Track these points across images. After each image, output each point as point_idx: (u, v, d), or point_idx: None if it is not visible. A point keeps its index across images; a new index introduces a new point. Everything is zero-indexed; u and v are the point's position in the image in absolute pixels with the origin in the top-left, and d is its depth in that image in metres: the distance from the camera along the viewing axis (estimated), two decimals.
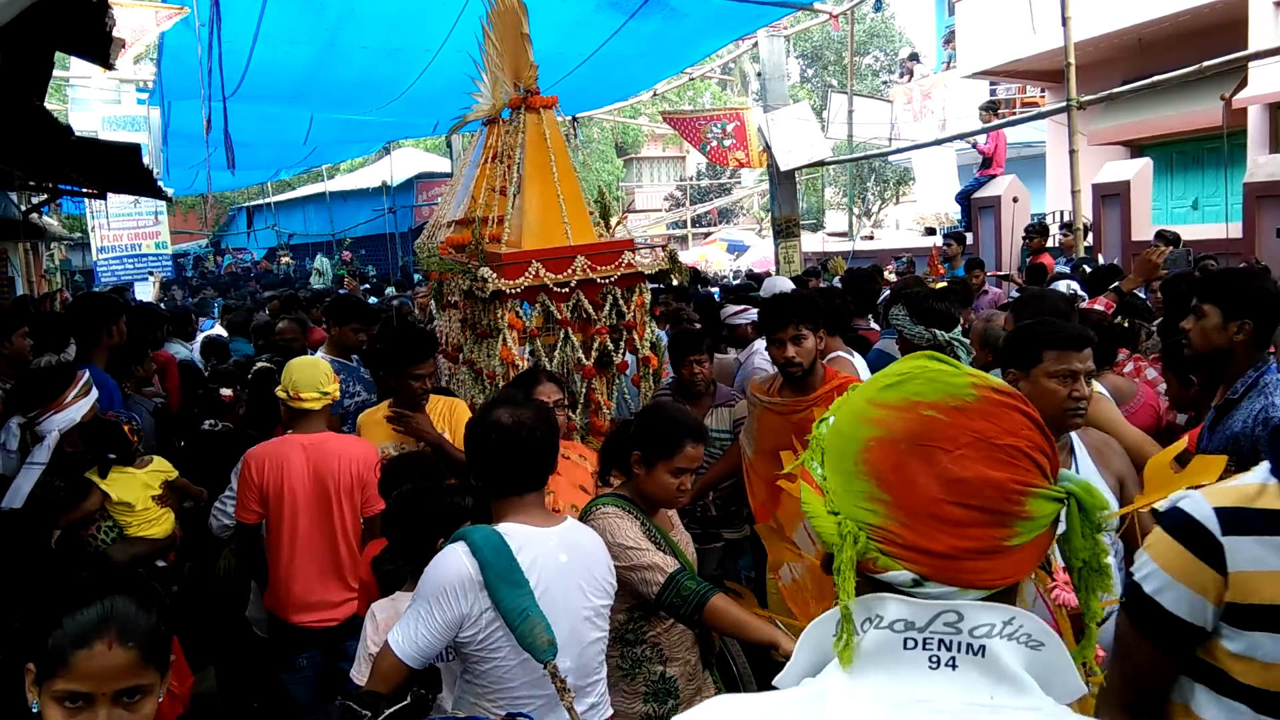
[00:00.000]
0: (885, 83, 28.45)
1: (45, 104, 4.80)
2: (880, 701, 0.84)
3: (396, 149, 22.85)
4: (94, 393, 3.49)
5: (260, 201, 28.23)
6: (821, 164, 13.81)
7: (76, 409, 3.34)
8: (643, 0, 7.62)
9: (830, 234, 22.01)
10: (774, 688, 0.94)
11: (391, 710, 1.86)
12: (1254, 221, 9.54)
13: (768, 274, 10.57)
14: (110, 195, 9.58)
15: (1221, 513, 1.60)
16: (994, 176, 12.55)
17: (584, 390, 3.93)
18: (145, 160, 7.13)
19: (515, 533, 2.22)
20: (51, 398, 3.36)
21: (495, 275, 3.64)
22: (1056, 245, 10.94)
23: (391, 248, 23.65)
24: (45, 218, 12.18)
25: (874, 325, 5.56)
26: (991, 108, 12.78)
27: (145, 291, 14.55)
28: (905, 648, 0.85)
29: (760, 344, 4.95)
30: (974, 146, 12.82)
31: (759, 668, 3.10)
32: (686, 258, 15.36)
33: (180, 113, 9.80)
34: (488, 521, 2.33)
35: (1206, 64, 7.85)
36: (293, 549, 3.46)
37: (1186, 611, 1.59)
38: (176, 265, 22.91)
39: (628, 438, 2.79)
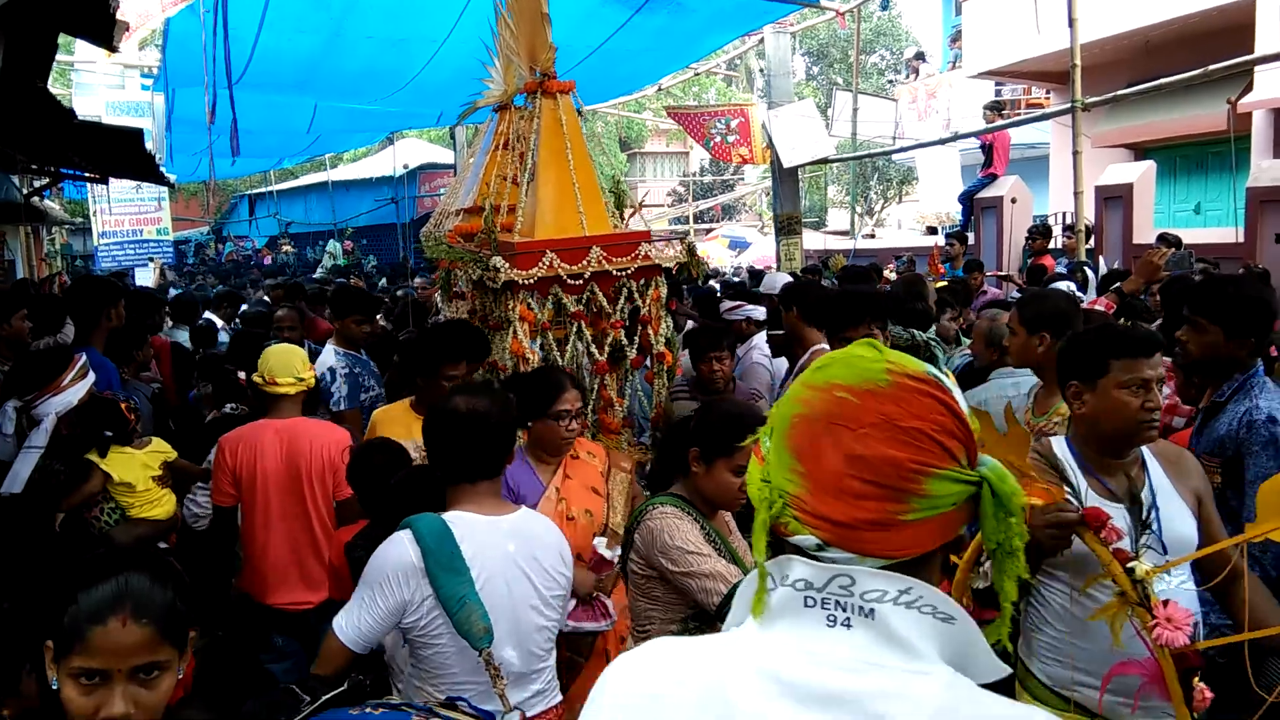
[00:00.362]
0: (890, 81, 28.40)
1: (49, 87, 4.80)
2: (777, 649, 0.93)
3: (400, 139, 22.83)
4: (91, 376, 3.49)
5: (262, 190, 28.21)
6: (825, 162, 13.80)
7: (74, 392, 3.34)
8: None
9: (832, 232, 21.99)
10: None
11: (329, 695, 1.90)
12: (1256, 226, 9.53)
13: (768, 270, 10.57)
14: (112, 180, 9.58)
15: None
16: (996, 177, 12.54)
17: (595, 386, 3.84)
18: (148, 146, 7.14)
19: (461, 521, 2.28)
20: (48, 381, 3.36)
21: (508, 265, 3.53)
22: (1059, 247, 10.93)
23: (393, 238, 23.64)
24: (47, 201, 12.18)
25: None
26: (995, 107, 12.77)
27: (146, 277, 14.56)
28: (805, 605, 0.93)
29: (759, 339, 4.93)
30: (979, 141, 12.82)
31: None
32: None
33: (185, 99, 9.78)
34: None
35: (1212, 67, 7.84)
36: (266, 531, 3.54)
37: None
38: (178, 252, 22.91)
39: (686, 434, 2.65)
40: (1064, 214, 12.71)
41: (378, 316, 5.83)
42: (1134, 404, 2.27)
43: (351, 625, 2.21)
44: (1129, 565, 1.95)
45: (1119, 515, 2.16)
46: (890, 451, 0.91)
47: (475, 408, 2.34)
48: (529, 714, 2.33)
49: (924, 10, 28.62)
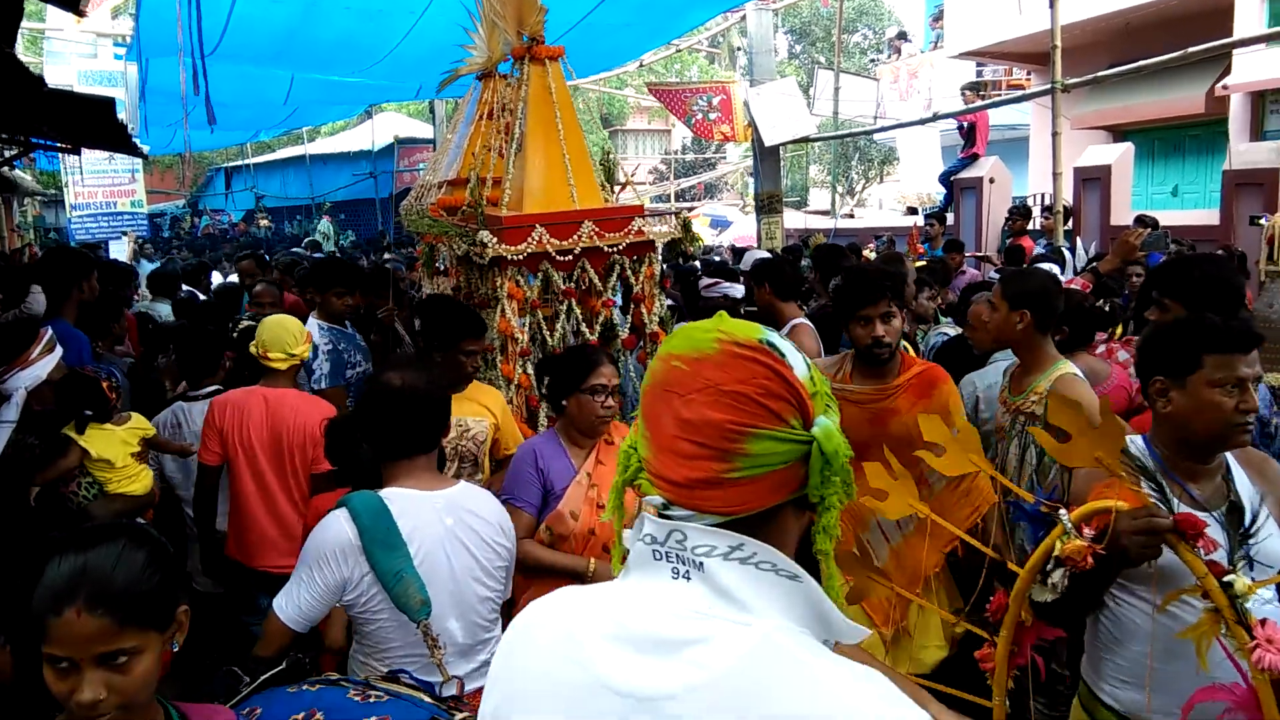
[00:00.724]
0: (873, 61, 28.35)
1: (17, 54, 4.70)
2: (627, 596, 1.02)
3: (379, 113, 22.59)
4: (59, 349, 3.44)
5: (239, 163, 27.84)
6: (806, 140, 13.78)
7: (42, 366, 3.29)
8: None
9: (814, 211, 22.01)
10: None
11: (269, 674, 1.93)
12: (1233, 208, 9.63)
13: (750, 249, 10.57)
14: (85, 151, 9.42)
15: None
16: (976, 157, 12.58)
17: None
18: (121, 116, 7.01)
19: (398, 497, 2.28)
20: (15, 355, 3.31)
21: (496, 240, 3.39)
22: (1038, 228, 11.00)
23: (372, 213, 23.44)
24: (18, 172, 11.97)
25: None
26: (975, 88, 12.79)
27: (120, 250, 14.35)
28: (654, 558, 1.01)
29: None
30: (957, 123, 12.84)
31: None
32: None
33: (159, 69, 9.61)
34: None
35: (1191, 50, 7.89)
36: (250, 495, 3.60)
37: None
38: (153, 225, 22.60)
39: None
40: (1043, 195, 12.79)
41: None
42: (1228, 404, 2.08)
43: (292, 604, 2.23)
44: (1225, 579, 1.80)
45: (1213, 525, 1.98)
46: (713, 414, 0.97)
47: (411, 383, 2.35)
48: (477, 686, 2.31)
49: None
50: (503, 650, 1.10)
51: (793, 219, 17.97)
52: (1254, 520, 2.07)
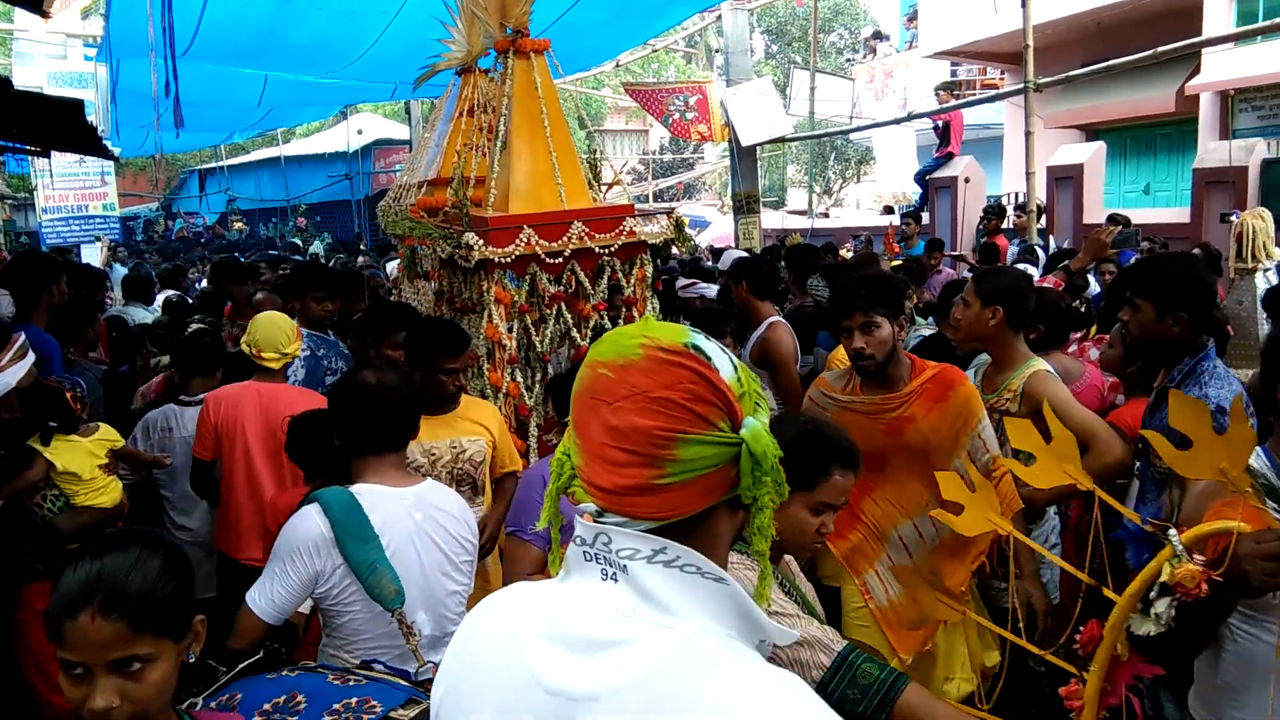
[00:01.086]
0: (849, 60, 28.47)
1: None
2: (562, 597, 1.03)
3: (354, 114, 22.45)
4: (30, 356, 3.38)
5: (213, 165, 27.59)
6: (782, 140, 13.83)
7: (12, 373, 3.23)
8: None
9: (792, 211, 22.09)
10: None
11: (245, 664, 1.95)
12: (1203, 207, 9.74)
13: (727, 248, 10.59)
14: (55, 154, 9.31)
15: None
16: (951, 156, 12.67)
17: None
18: (91, 118, 6.94)
19: (368, 492, 2.35)
20: None
21: (482, 242, 3.25)
22: (1011, 226, 11.10)
23: (347, 215, 23.30)
24: None
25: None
26: (949, 88, 12.88)
27: (92, 254, 14.19)
28: (585, 560, 1.03)
29: None
30: (932, 123, 12.93)
31: None
32: None
33: (130, 70, 9.51)
34: None
35: (1160, 49, 7.96)
36: (244, 489, 3.64)
37: None
38: (126, 228, 22.36)
39: None
40: (1016, 194, 12.90)
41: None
42: None
43: (265, 598, 2.27)
44: None
45: None
46: (641, 421, 0.98)
47: (384, 382, 2.41)
48: None
49: None
50: (454, 642, 1.12)
51: (770, 219, 18.02)
52: None
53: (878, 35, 23.53)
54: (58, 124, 6.23)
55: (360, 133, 22.79)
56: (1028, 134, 8.39)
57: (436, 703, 1.11)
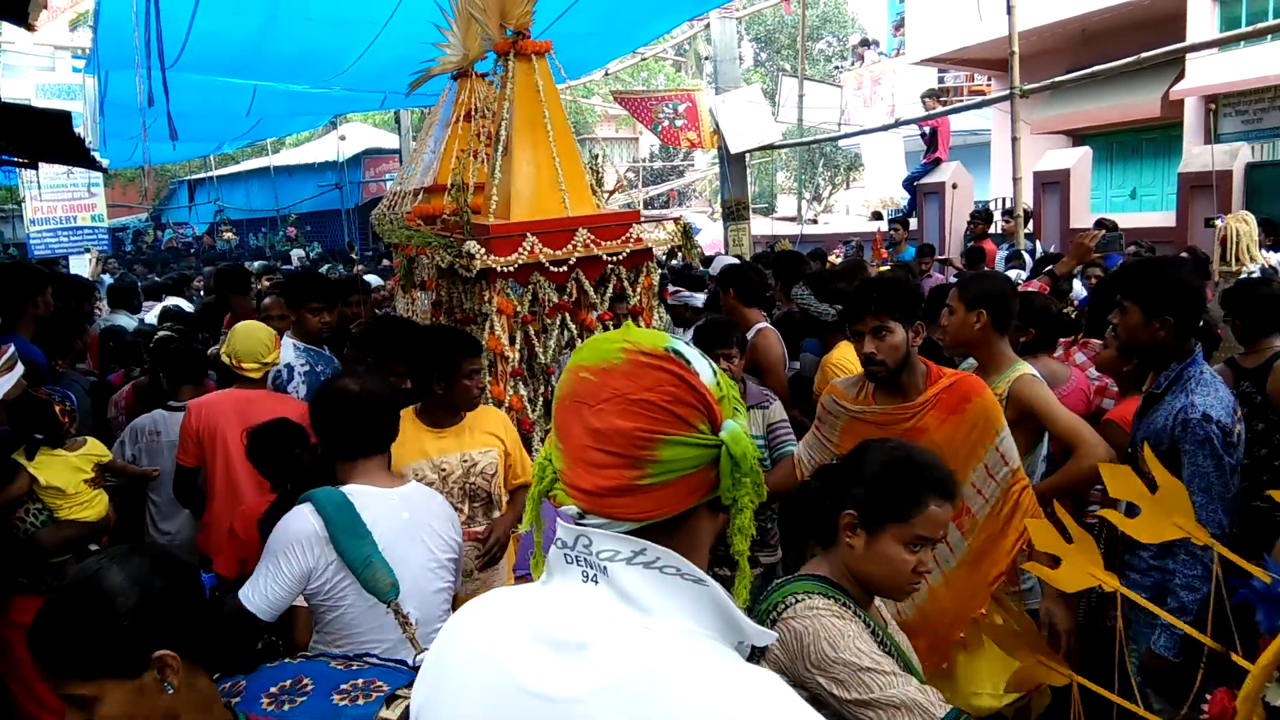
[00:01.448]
0: (837, 68, 28.60)
1: None
2: (543, 599, 1.05)
3: (344, 123, 22.46)
4: (20, 367, 3.36)
5: (202, 175, 27.56)
6: (771, 148, 13.89)
7: (1, 385, 3.22)
8: None
9: (781, 218, 22.16)
10: None
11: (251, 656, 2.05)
12: (1188, 211, 9.82)
13: (717, 254, 10.63)
14: (43, 165, 9.29)
15: None
16: (939, 162, 12.73)
17: None
18: (79, 130, 6.93)
19: (359, 493, 2.41)
20: None
21: (484, 251, 3.12)
22: (999, 231, 11.16)
23: (338, 224, 23.29)
24: None
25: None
26: (933, 94, 12.96)
27: (81, 266, 14.15)
28: (566, 562, 1.04)
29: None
30: (920, 129, 13.00)
31: None
32: None
33: (118, 82, 9.50)
34: None
35: (1145, 55, 8.03)
36: (220, 495, 3.70)
37: None
38: (115, 239, 22.29)
39: (833, 487, 1.96)
40: (1004, 199, 12.97)
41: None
42: None
43: (259, 595, 2.33)
44: None
45: None
46: (621, 423, 0.99)
47: (368, 387, 2.49)
48: None
49: None
50: (436, 644, 1.13)
51: (760, 225, 18.08)
52: None
53: (865, 42, 23.65)
54: (45, 136, 6.22)
55: (344, 139, 22.80)
56: (1014, 139, 8.45)
57: (417, 707, 1.12)
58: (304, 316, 4.32)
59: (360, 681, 1.87)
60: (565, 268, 3.23)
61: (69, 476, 3.44)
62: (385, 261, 11.04)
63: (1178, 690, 2.53)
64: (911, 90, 17.67)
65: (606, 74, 16.71)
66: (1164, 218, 11.17)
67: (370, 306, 5.89)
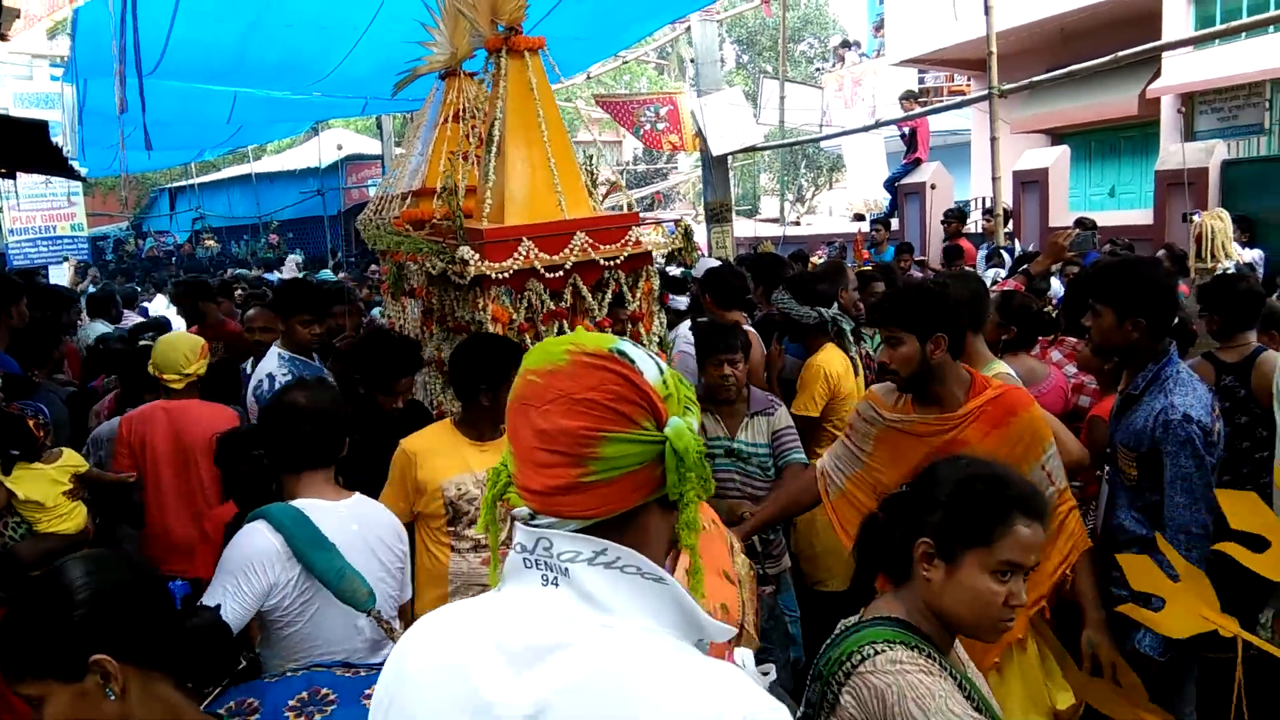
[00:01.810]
0: (819, 70, 28.70)
1: None
2: (503, 606, 1.05)
3: (325, 130, 22.37)
4: None
5: (183, 183, 27.37)
6: (753, 149, 13.94)
7: None
8: None
9: (764, 219, 22.23)
10: None
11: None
12: (1164, 208, 9.90)
13: (701, 257, 10.65)
14: (21, 175, 9.23)
15: None
16: (919, 163, 12.80)
17: None
18: (58, 139, 6.90)
19: (310, 507, 2.40)
20: None
21: (478, 257, 2.99)
22: (980, 231, 11.23)
23: (320, 231, 23.20)
24: None
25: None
26: (911, 96, 13.03)
27: (60, 275, 14.05)
28: (525, 566, 1.04)
29: (683, 329, 4.87)
30: (899, 129, 13.06)
31: None
32: None
33: (97, 90, 9.43)
34: None
35: (1121, 54, 8.11)
36: (160, 504, 3.80)
37: None
38: (95, 249, 22.13)
39: (904, 516, 1.75)
40: (984, 198, 13.06)
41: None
42: None
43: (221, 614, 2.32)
44: None
45: None
46: (566, 422, 1.01)
47: (316, 401, 2.48)
48: None
49: None
50: (394, 656, 1.14)
51: (744, 227, 18.13)
52: None
53: (846, 44, 23.74)
54: (23, 145, 6.19)
55: (340, 148, 22.71)
56: (993, 139, 8.53)
57: (380, 713, 1.12)
58: (293, 327, 4.14)
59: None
60: (562, 273, 3.10)
61: (47, 489, 3.41)
62: (373, 267, 10.98)
63: (1162, 688, 2.54)
64: (892, 91, 17.75)
65: (589, 77, 16.74)
66: (1142, 215, 11.26)
67: (356, 318, 5.84)
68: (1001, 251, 7.93)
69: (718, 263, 6.74)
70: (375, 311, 6.83)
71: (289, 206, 23.84)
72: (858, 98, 19.31)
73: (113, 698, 1.46)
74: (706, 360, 3.55)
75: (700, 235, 19.40)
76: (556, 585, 1.02)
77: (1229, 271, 5.82)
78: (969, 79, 17.91)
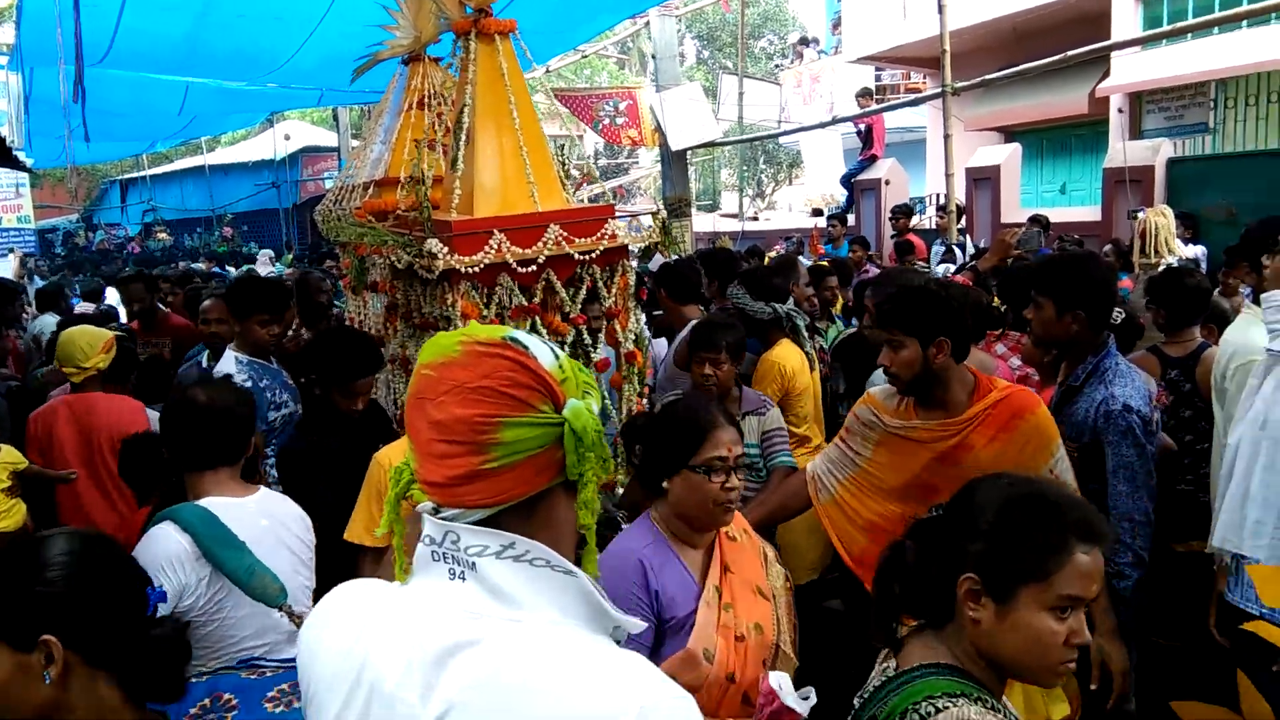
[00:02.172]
0: (778, 66, 28.86)
1: None
2: (410, 600, 1.05)
3: (281, 121, 22.08)
4: None
5: (135, 175, 26.86)
6: (712, 145, 14.00)
7: None
8: None
9: (725, 214, 22.33)
10: None
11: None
12: (1112, 205, 10.12)
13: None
14: None
15: None
16: (875, 159, 12.94)
17: None
18: (3, 129, 6.74)
19: (217, 505, 2.39)
20: None
21: (446, 250, 2.86)
22: (934, 227, 11.38)
23: (275, 224, 22.89)
24: None
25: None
26: (867, 93, 13.18)
27: (5, 268, 13.73)
28: (433, 560, 1.05)
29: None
30: (855, 127, 13.19)
31: None
32: None
33: (44, 78, 9.22)
34: None
35: (1071, 53, 8.25)
36: (64, 503, 3.75)
37: None
38: (44, 241, 21.66)
39: (940, 547, 1.55)
40: (938, 194, 13.24)
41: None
42: None
43: None
44: None
45: None
46: (461, 411, 1.02)
47: (218, 398, 2.48)
48: None
49: None
50: (304, 635, 1.14)
51: (704, 222, 18.21)
52: None
53: (805, 41, 23.88)
54: None
55: (288, 138, 22.41)
56: (947, 136, 8.64)
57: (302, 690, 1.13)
58: (250, 328, 3.88)
59: (287, 686, 1.85)
60: (534, 267, 2.99)
61: None
62: (329, 262, 10.80)
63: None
64: (850, 88, 17.89)
65: (548, 71, 16.67)
66: (1092, 212, 11.49)
67: (293, 314, 5.40)
68: (954, 248, 8.05)
69: (672, 258, 6.78)
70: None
71: (243, 199, 23.50)
72: (816, 94, 19.43)
73: (47, 681, 1.43)
74: (691, 358, 3.53)
75: None
76: (464, 580, 1.02)
77: (1176, 266, 5.98)
78: (924, 77, 18.13)
